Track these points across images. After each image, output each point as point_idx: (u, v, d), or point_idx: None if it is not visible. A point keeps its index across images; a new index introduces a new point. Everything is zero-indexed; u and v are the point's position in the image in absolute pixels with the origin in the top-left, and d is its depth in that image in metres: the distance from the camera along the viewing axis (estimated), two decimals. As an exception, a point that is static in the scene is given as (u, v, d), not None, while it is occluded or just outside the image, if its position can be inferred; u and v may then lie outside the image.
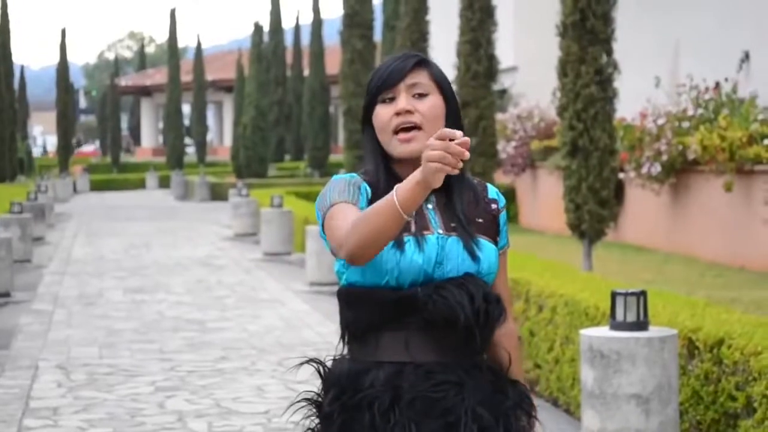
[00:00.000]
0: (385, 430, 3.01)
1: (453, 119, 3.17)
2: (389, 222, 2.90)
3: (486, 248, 3.14)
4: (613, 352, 6.21)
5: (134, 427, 8.07)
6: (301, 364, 3.22)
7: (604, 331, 6.36)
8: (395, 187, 2.91)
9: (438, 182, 2.82)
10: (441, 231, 3.12)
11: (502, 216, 3.26)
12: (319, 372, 3.19)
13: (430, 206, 3.15)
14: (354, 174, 3.19)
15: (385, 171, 3.17)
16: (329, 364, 3.20)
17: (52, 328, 12.48)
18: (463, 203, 3.16)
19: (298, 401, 3.20)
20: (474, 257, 3.11)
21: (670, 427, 6.19)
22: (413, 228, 3.08)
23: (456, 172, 2.81)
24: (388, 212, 2.89)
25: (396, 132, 3.11)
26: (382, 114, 3.13)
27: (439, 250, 3.09)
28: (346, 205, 3.08)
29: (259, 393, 9.06)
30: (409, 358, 3.04)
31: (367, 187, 3.14)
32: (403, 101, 3.11)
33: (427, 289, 3.04)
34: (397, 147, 3.12)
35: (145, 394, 9.09)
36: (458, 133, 2.81)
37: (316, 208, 3.21)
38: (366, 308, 3.08)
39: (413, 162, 3.06)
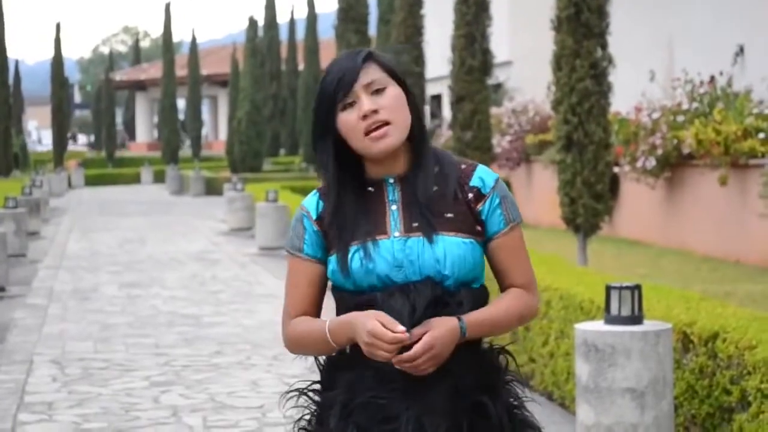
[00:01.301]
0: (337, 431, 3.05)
1: (411, 105, 3.11)
2: (323, 350, 3.12)
3: (448, 246, 3.05)
4: (608, 346, 6.21)
5: (129, 421, 8.06)
6: (288, 395, 3.23)
7: (598, 325, 6.35)
8: (328, 327, 3.05)
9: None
10: (398, 234, 3.07)
11: (489, 202, 3.12)
12: (317, 365, 3.21)
13: (394, 207, 3.10)
14: (310, 197, 3.19)
15: (350, 177, 3.12)
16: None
17: (47, 323, 12.47)
18: (427, 198, 3.08)
19: (291, 390, 3.21)
20: (435, 257, 3.05)
21: (665, 421, 6.20)
22: (362, 234, 3.07)
23: (389, 358, 2.94)
24: (323, 343, 3.09)
25: (367, 133, 3.05)
26: (348, 120, 3.06)
27: (396, 254, 3.04)
28: (293, 270, 3.20)
29: (254, 387, 9.06)
30: (372, 362, 3.01)
31: (309, 216, 3.16)
32: (366, 103, 3.04)
33: (384, 295, 3.03)
34: (372, 147, 3.05)
35: (139, 389, 9.08)
36: (396, 337, 2.93)
37: None
38: (339, 307, 3.13)
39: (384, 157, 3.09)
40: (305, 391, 3.19)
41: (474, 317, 3.04)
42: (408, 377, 2.99)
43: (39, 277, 16.81)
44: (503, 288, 3.20)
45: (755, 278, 13.53)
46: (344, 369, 3.09)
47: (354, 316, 2.99)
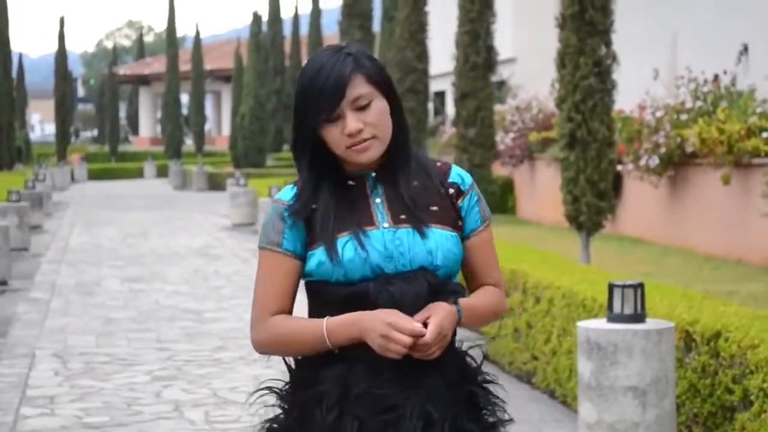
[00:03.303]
0: (332, 425, 2.99)
1: (396, 114, 3.10)
2: (309, 350, 3.05)
3: (439, 238, 3.06)
4: (610, 344, 6.21)
5: (131, 416, 8.07)
6: (257, 393, 3.20)
7: (601, 323, 6.35)
8: (326, 328, 2.99)
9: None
10: (387, 225, 3.06)
11: (468, 198, 3.15)
12: (285, 362, 3.17)
13: (378, 200, 3.09)
14: (286, 191, 3.16)
15: (329, 171, 3.11)
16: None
17: (49, 317, 12.48)
18: (412, 192, 3.09)
19: (261, 389, 3.19)
20: (426, 249, 3.05)
21: (667, 419, 6.20)
22: (351, 225, 3.04)
23: (398, 357, 2.92)
24: (313, 343, 3.02)
25: (349, 146, 3.04)
26: (331, 133, 3.04)
27: (387, 244, 3.03)
28: (269, 265, 3.14)
29: (256, 383, 9.04)
30: (361, 354, 2.99)
31: (289, 208, 3.11)
32: (351, 122, 3.01)
33: (378, 284, 3.00)
34: (354, 158, 3.05)
35: (141, 384, 9.09)
36: (416, 329, 2.92)
37: None
38: (324, 304, 3.07)
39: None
40: (279, 390, 3.16)
41: (465, 302, 3.10)
42: (402, 368, 2.98)
43: (41, 271, 16.81)
44: (474, 286, 3.22)
45: (758, 277, 13.52)
46: (329, 364, 3.04)
47: (362, 313, 2.96)
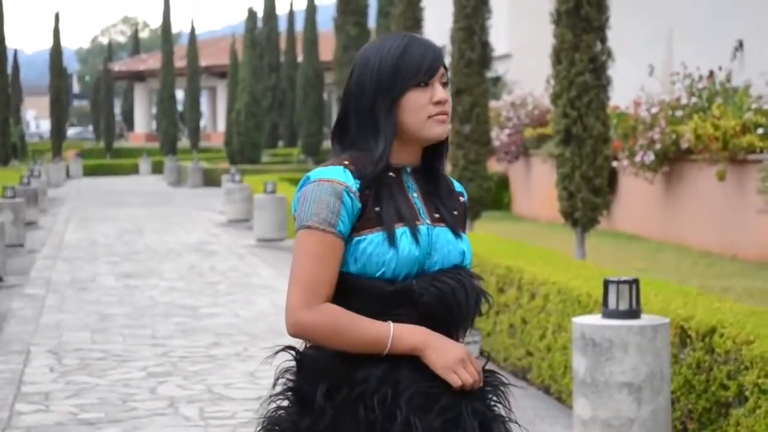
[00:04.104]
0: (384, 426, 2.92)
1: None
2: (361, 349, 2.96)
3: (466, 239, 3.13)
4: (605, 340, 6.21)
5: (126, 412, 8.06)
6: (276, 352, 3.09)
7: (596, 319, 6.36)
8: (393, 331, 2.94)
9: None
10: (429, 221, 3.07)
11: (465, 207, 3.22)
12: (297, 360, 3.05)
13: (415, 195, 3.09)
14: (336, 171, 3.02)
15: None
16: (308, 352, 3.07)
17: (45, 313, 12.47)
18: (446, 191, 3.15)
19: (277, 394, 3.07)
20: (460, 249, 3.08)
21: (662, 415, 6.20)
22: (408, 217, 3.02)
23: (458, 384, 2.97)
24: (370, 343, 2.95)
25: (430, 117, 3.08)
26: (419, 99, 3.06)
27: (429, 241, 3.03)
28: (327, 247, 2.97)
29: (251, 379, 9.06)
30: (403, 359, 2.96)
31: (351, 191, 3.00)
32: (441, 91, 3.08)
33: (423, 281, 2.98)
34: (433, 128, 3.07)
35: (137, 380, 9.09)
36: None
37: (294, 203, 3.09)
38: (359, 300, 2.98)
39: (410, 145, 3.08)
40: (294, 391, 3.05)
41: None
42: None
43: (36, 267, 16.80)
44: None
45: (753, 273, 13.54)
46: (370, 363, 2.96)
47: (431, 333, 2.98)
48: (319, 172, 3.03)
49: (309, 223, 2.98)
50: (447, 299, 2.97)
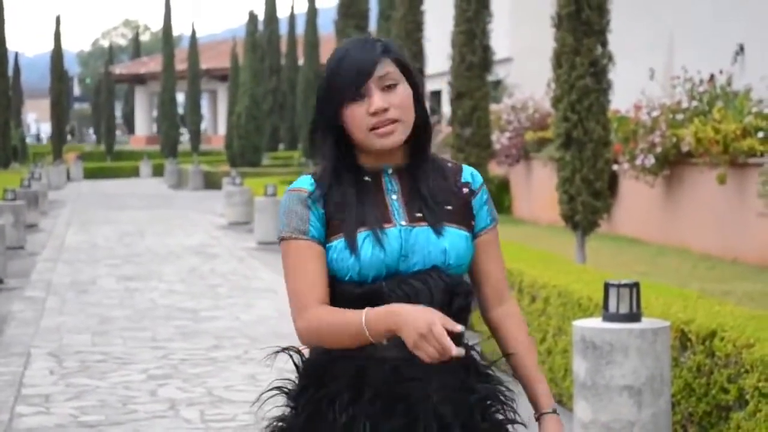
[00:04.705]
0: (344, 426, 2.93)
1: (419, 107, 3.08)
2: (352, 342, 2.93)
3: (454, 237, 3.04)
4: (606, 344, 6.21)
5: (126, 414, 8.06)
6: (277, 352, 3.13)
7: (596, 323, 6.35)
8: (365, 318, 2.88)
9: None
10: (404, 222, 3.02)
11: (479, 197, 3.14)
12: (293, 361, 3.11)
13: (394, 197, 3.06)
14: (304, 180, 3.07)
15: (348, 165, 3.07)
16: (306, 352, 3.11)
17: (45, 316, 12.47)
18: (430, 189, 3.07)
19: (270, 389, 3.13)
20: (441, 248, 3.02)
21: (662, 418, 6.20)
22: (371, 221, 3.00)
23: (428, 359, 2.82)
24: (355, 335, 2.91)
25: (372, 129, 3.00)
26: (355, 113, 3.00)
27: (403, 243, 2.99)
28: (301, 254, 3.01)
29: (251, 382, 9.06)
30: (374, 353, 2.95)
31: (312, 196, 3.04)
32: (377, 100, 2.98)
33: (391, 284, 2.96)
34: (376, 142, 3.01)
35: (137, 382, 9.09)
36: (456, 328, 2.82)
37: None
38: (337, 302, 2.99)
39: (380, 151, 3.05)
40: (288, 390, 3.11)
41: (542, 389, 3.41)
42: (413, 369, 2.94)
43: (37, 270, 16.81)
44: (482, 291, 3.19)
45: (753, 277, 13.53)
46: (339, 364, 2.99)
47: (402, 306, 2.88)
48: (293, 183, 3.12)
49: (283, 234, 3.06)
50: (411, 302, 2.93)
